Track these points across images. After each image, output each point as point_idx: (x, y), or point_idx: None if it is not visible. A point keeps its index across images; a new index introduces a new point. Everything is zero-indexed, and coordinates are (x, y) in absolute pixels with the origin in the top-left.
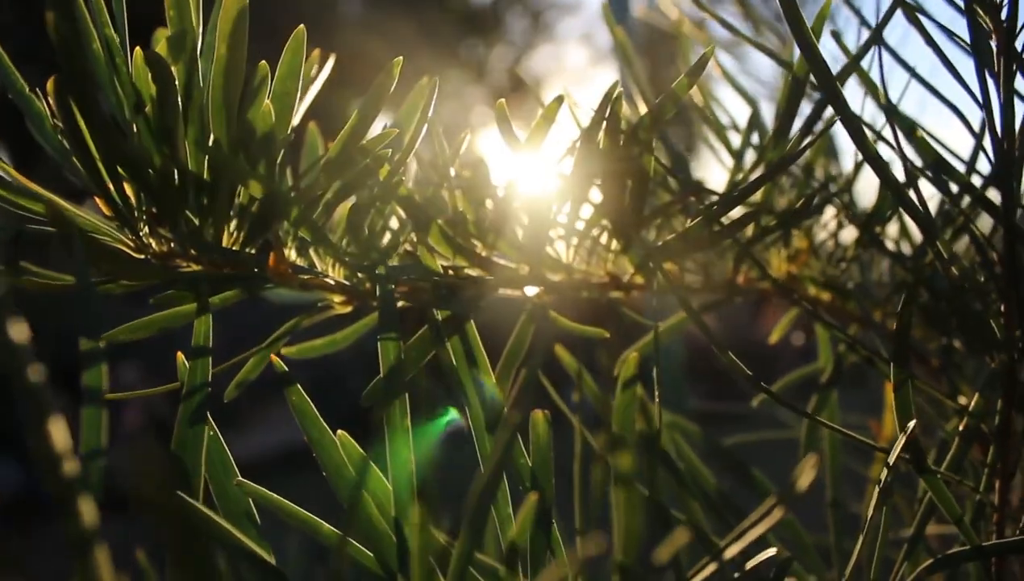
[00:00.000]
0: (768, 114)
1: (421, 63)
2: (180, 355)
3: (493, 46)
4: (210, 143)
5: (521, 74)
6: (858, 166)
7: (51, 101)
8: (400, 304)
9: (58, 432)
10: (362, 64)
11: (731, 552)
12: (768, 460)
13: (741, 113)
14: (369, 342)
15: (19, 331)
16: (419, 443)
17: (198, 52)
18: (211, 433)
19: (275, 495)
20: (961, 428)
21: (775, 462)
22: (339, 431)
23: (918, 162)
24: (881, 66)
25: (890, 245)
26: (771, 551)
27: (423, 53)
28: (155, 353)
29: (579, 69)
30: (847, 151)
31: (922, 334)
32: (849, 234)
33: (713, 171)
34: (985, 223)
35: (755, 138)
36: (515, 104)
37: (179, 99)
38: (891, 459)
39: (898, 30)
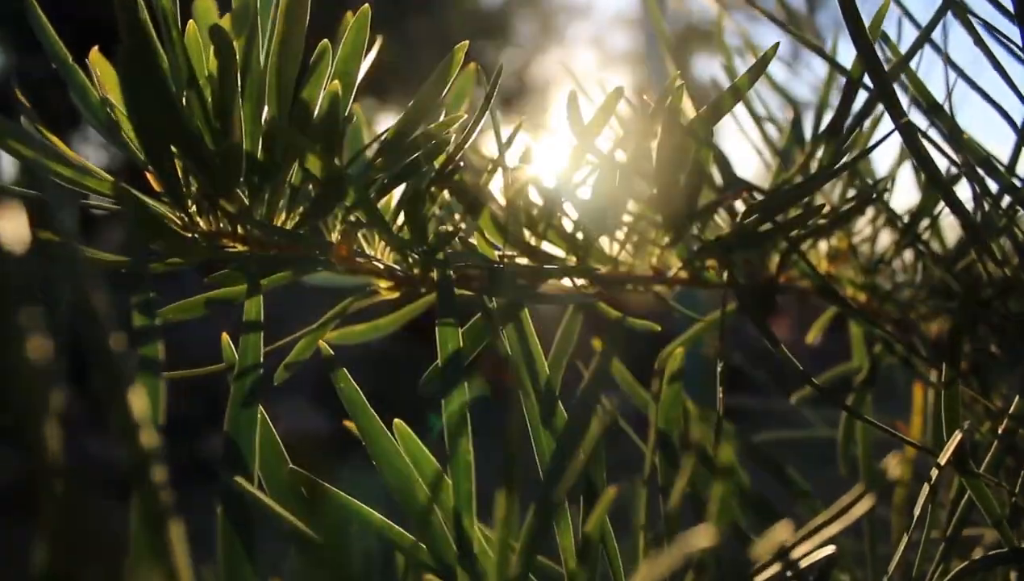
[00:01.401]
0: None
1: (430, 62)
2: (225, 336)
3: (502, 48)
4: (266, 121)
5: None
6: (898, 165)
7: (97, 73)
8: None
9: (138, 403)
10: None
11: (802, 550)
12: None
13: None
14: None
15: (100, 304)
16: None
17: (258, 28)
18: (261, 417)
19: (326, 484)
20: (1000, 431)
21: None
22: (396, 420)
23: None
24: (947, 70)
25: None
26: (829, 548)
27: (431, 53)
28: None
29: (588, 73)
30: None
31: None
32: (884, 235)
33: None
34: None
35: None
36: (522, 106)
37: (239, 75)
38: (942, 460)
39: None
